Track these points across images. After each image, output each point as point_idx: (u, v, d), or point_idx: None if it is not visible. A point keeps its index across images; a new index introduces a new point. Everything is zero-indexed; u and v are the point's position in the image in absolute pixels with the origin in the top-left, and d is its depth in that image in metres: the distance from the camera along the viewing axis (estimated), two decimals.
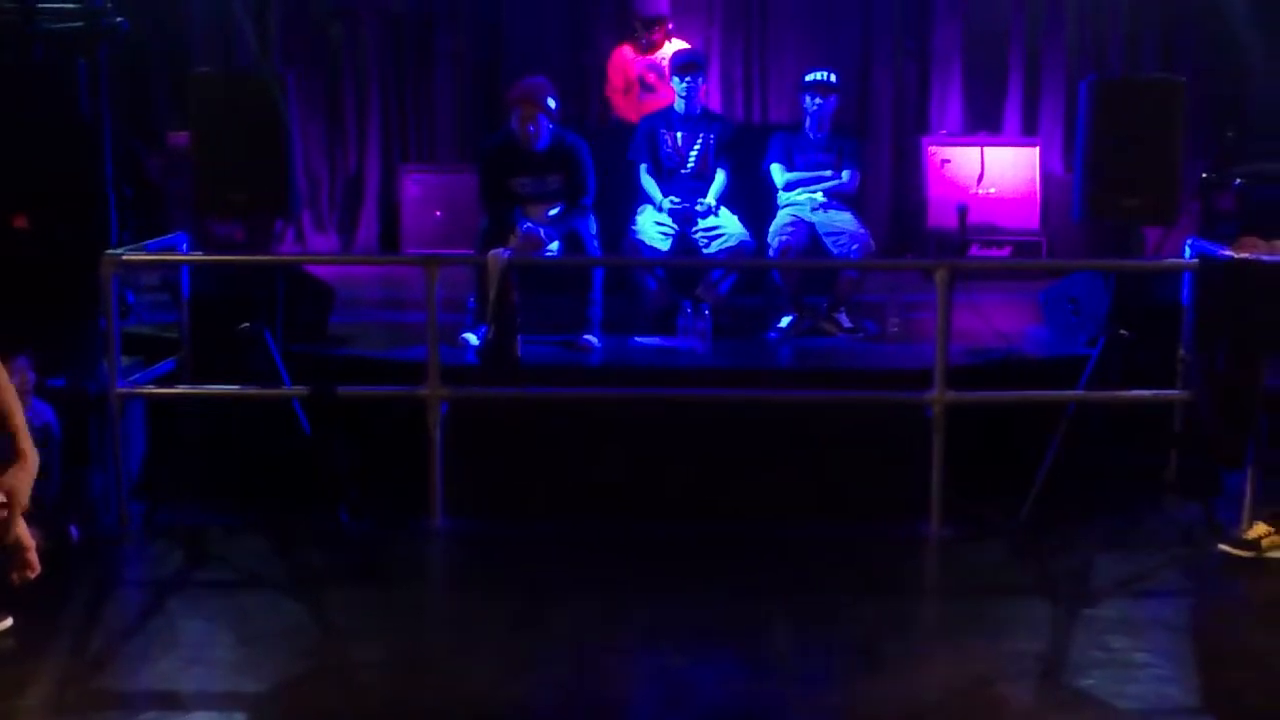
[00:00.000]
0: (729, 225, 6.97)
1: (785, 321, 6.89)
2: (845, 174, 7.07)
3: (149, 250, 6.10)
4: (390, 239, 9.16)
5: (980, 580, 5.33)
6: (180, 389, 6.01)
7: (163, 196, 8.15)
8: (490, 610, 4.96)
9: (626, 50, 8.29)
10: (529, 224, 6.47)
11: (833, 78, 7.05)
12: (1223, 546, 5.46)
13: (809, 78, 7.06)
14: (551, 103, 6.54)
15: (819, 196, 7.01)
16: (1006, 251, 8.65)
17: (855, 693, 4.30)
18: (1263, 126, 8.23)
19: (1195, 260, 5.91)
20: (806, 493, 5.89)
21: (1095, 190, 6.05)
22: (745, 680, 4.46)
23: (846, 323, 6.93)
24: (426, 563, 5.68)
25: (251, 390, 5.81)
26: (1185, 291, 5.96)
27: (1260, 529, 5.38)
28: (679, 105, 7.12)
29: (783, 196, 7.08)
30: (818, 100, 7.00)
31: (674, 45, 8.09)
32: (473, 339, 6.37)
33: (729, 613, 4.94)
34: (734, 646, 4.69)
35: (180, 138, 7.74)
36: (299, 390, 5.82)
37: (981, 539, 5.69)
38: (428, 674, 4.41)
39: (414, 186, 8.93)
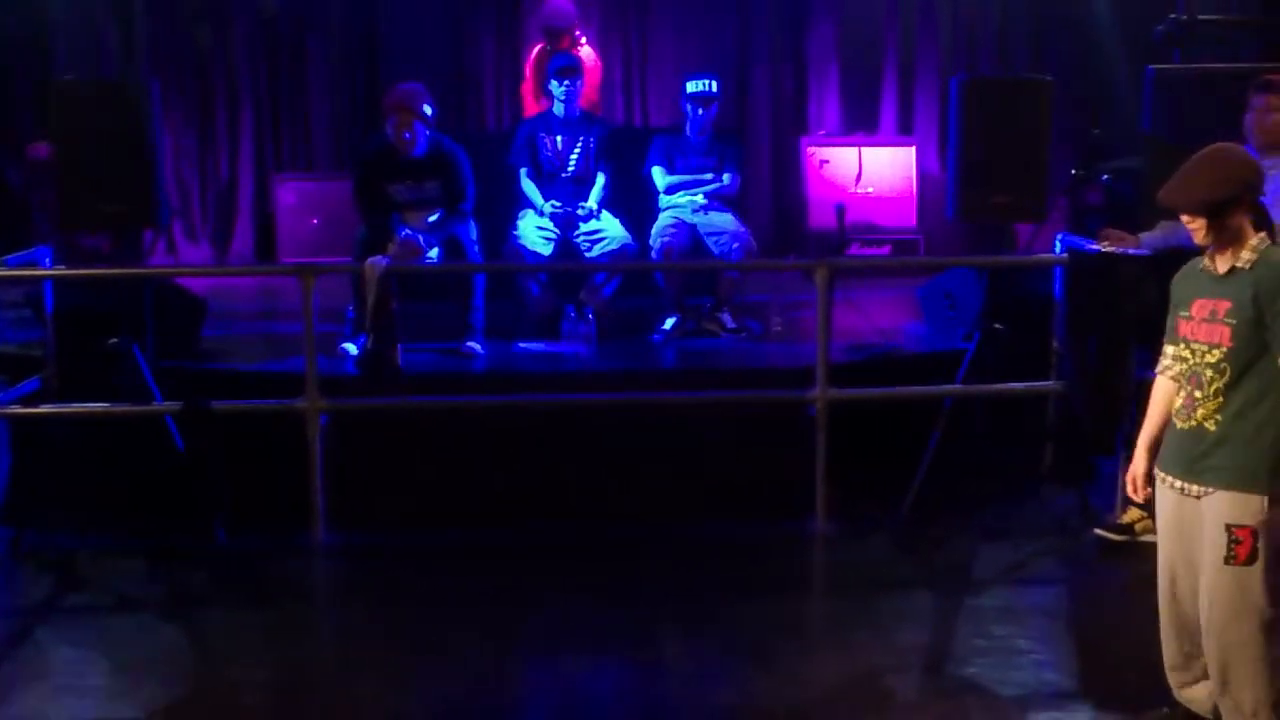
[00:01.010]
0: (611, 228, 6.95)
1: (669, 323, 6.90)
2: (726, 177, 7.11)
3: (9, 265, 5.89)
4: (266, 248, 8.96)
5: (865, 575, 5.39)
6: (46, 408, 5.81)
7: (25, 209, 7.89)
8: (375, 625, 4.88)
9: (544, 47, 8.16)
10: (407, 231, 6.38)
11: (714, 86, 7.07)
12: (1098, 531, 5.60)
13: (691, 88, 7.06)
14: (428, 109, 6.46)
15: (699, 199, 7.04)
16: (885, 249, 8.78)
17: (746, 692, 4.31)
18: (1128, 123, 8.46)
19: (1065, 255, 6.05)
20: (693, 493, 5.90)
21: (967, 189, 6.18)
22: (637, 684, 4.46)
23: (730, 323, 6.97)
24: (308, 579, 5.56)
25: (121, 407, 5.64)
26: (1057, 285, 6.11)
27: (1133, 514, 5.53)
28: (558, 109, 7.08)
29: (664, 199, 7.11)
30: (699, 110, 7.03)
31: (586, 51, 8.03)
32: (352, 349, 6.26)
33: (619, 618, 4.92)
34: (625, 651, 4.67)
35: (41, 148, 7.48)
36: (171, 406, 5.66)
37: (865, 534, 5.76)
38: (310, 694, 4.34)
39: (289, 194, 8.76)
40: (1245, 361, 3.47)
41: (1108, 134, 8.48)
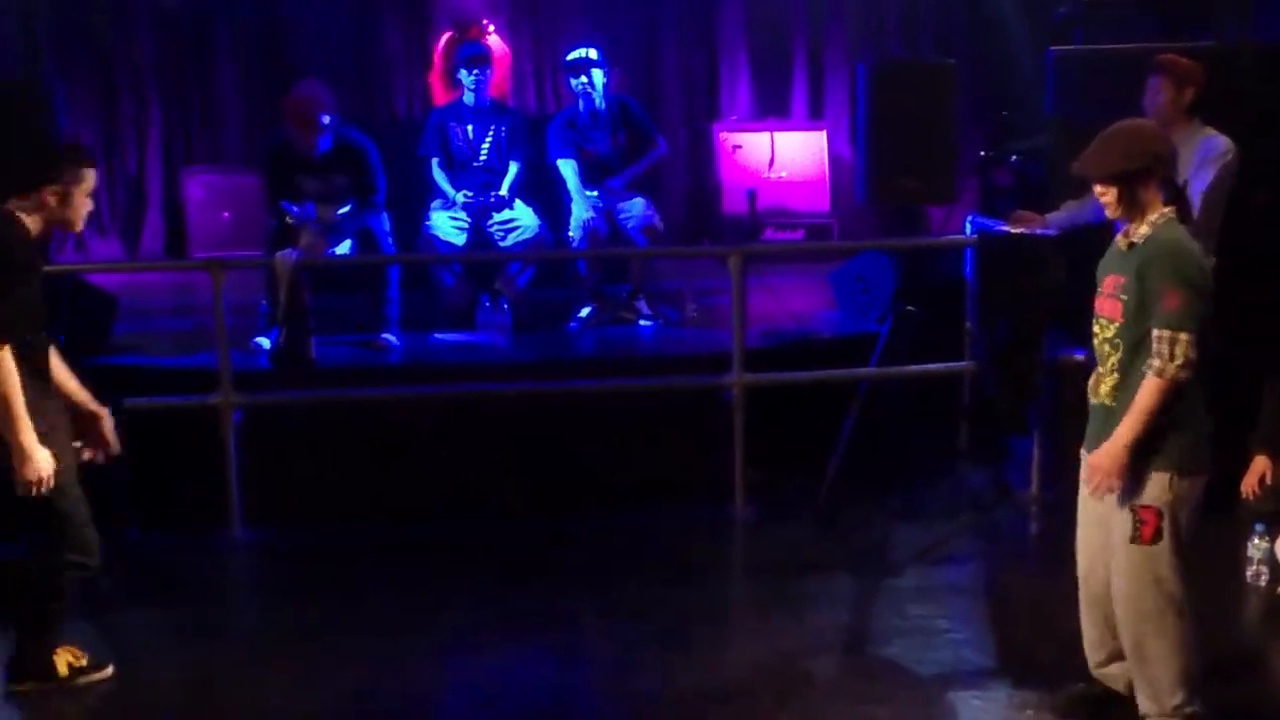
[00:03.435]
0: (524, 217, 6.92)
1: (585, 311, 6.89)
2: (655, 144, 7.06)
3: None
4: (177, 243, 8.80)
5: (784, 558, 5.43)
6: None
7: None
8: (289, 621, 4.83)
9: (453, 37, 8.07)
10: (296, 209, 6.25)
11: (592, 54, 6.96)
12: None
13: (570, 59, 6.97)
14: (326, 119, 6.30)
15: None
16: (799, 234, 8.84)
17: (666, 677, 4.31)
18: (1034, 105, 8.59)
19: (975, 236, 6.14)
20: (612, 481, 5.90)
21: (877, 172, 6.21)
22: (556, 672, 4.45)
23: (646, 310, 6.97)
24: (223, 576, 5.48)
25: None
26: (968, 267, 6.19)
27: None
28: (468, 98, 7.03)
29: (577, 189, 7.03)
30: (581, 79, 6.91)
31: (495, 40, 7.96)
32: (265, 343, 6.17)
33: (538, 607, 4.91)
34: (545, 641, 4.67)
35: None
36: None
37: (784, 518, 5.80)
38: (224, 693, 4.27)
39: (198, 188, 8.61)
40: (1137, 336, 3.51)
41: (1015, 116, 8.59)
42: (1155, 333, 3.45)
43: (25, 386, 3.87)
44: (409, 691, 4.26)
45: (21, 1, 8.39)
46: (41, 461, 3.89)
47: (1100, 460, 3.53)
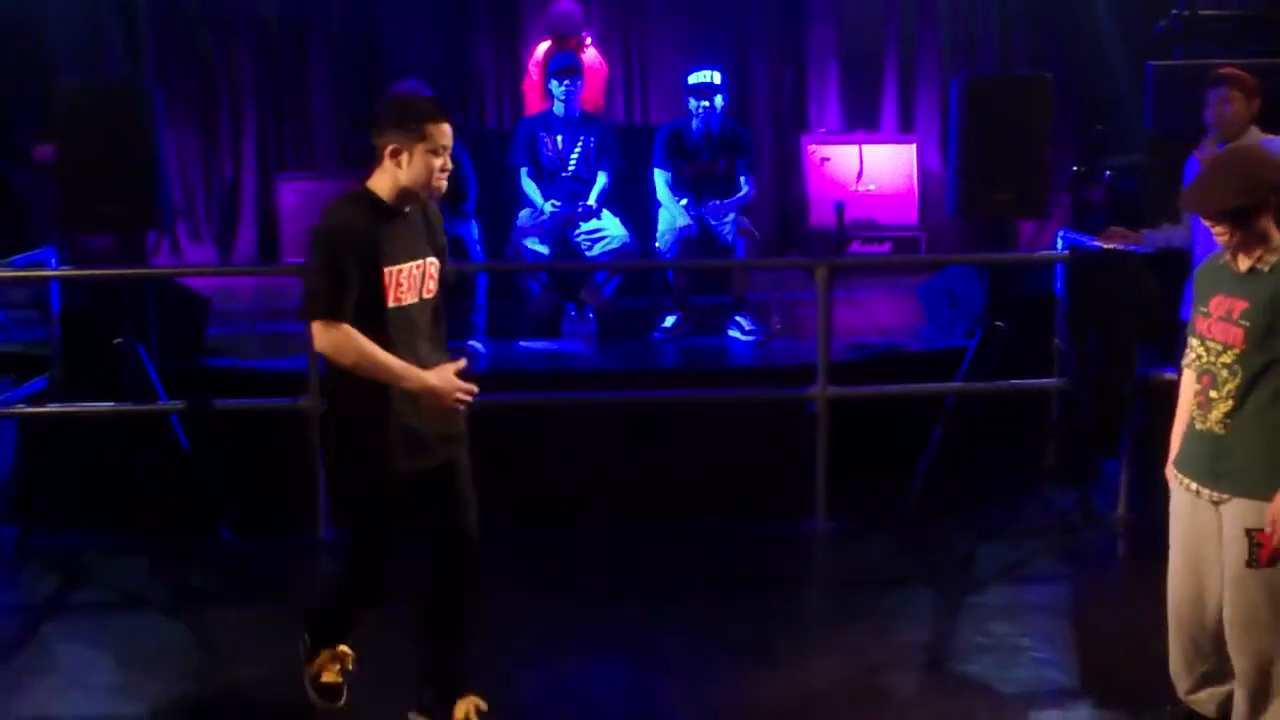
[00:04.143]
0: (611, 227, 6.96)
1: (669, 321, 6.91)
2: (742, 182, 7.02)
3: (16, 266, 5.92)
4: (269, 249, 8.99)
5: (866, 573, 5.40)
6: (52, 407, 5.83)
7: (29, 210, 7.91)
8: (378, 620, 4.88)
9: (546, 48, 8.14)
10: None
11: (716, 78, 6.94)
12: None
13: (692, 79, 6.95)
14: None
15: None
16: (886, 247, 8.78)
17: (745, 689, 4.32)
18: (1130, 120, 8.47)
19: (1067, 252, 6.06)
20: (695, 492, 5.91)
21: (968, 186, 6.18)
22: (638, 683, 4.47)
23: (749, 324, 6.90)
24: (312, 577, 5.57)
25: (126, 407, 5.66)
26: (1058, 282, 6.11)
27: None
28: (558, 109, 7.08)
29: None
30: (702, 103, 6.93)
31: (591, 53, 8.02)
32: None
33: (621, 616, 4.93)
34: (625, 651, 4.69)
35: (46, 150, 7.49)
36: (175, 405, 5.68)
37: (867, 532, 5.76)
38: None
39: (292, 195, 8.78)
40: (1259, 364, 3.42)
41: (1110, 131, 8.48)
42: None
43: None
44: (496, 696, 4.28)
45: (125, 7, 8.64)
46: (434, 380, 3.62)
47: (1275, 514, 3.38)
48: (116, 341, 5.63)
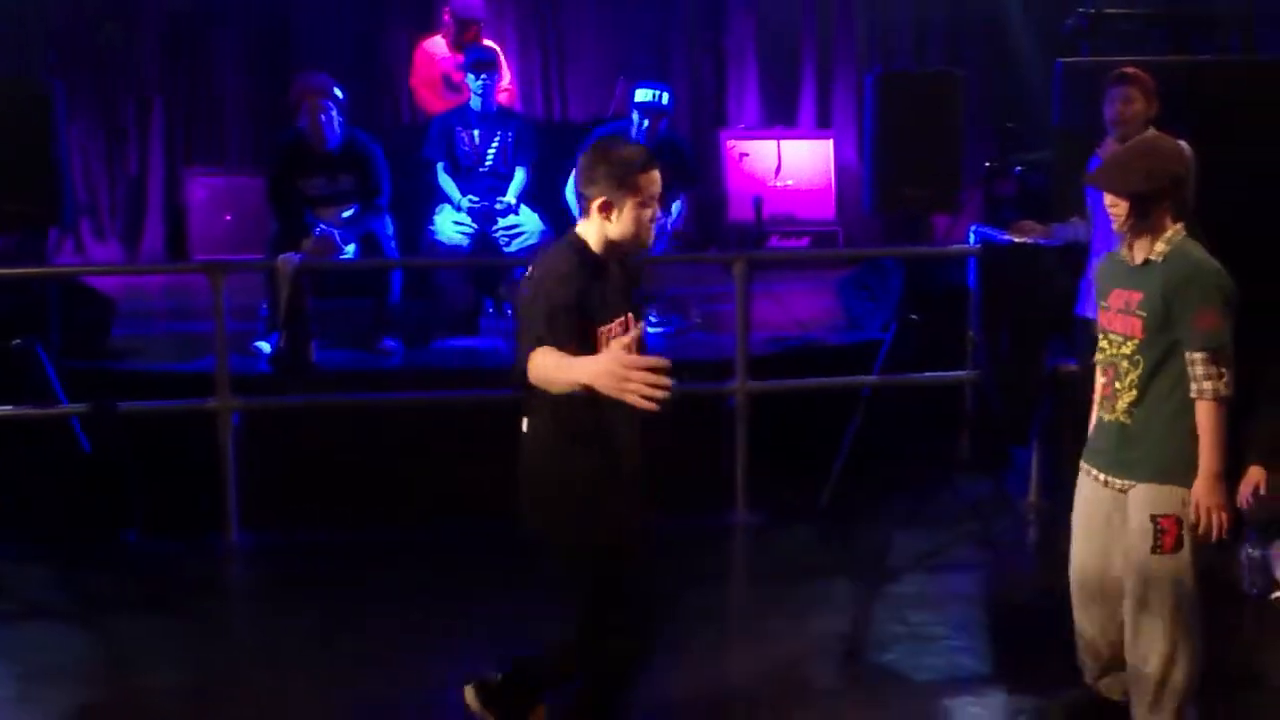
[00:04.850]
0: (529, 223, 6.91)
1: None
2: (675, 208, 6.92)
3: None
4: (178, 246, 8.81)
5: (785, 564, 5.42)
6: None
7: None
8: (291, 626, 4.81)
9: (437, 44, 7.99)
10: (323, 227, 6.30)
11: (665, 98, 6.78)
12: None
13: (640, 97, 6.77)
14: (339, 92, 6.36)
15: None
16: (804, 242, 8.83)
17: (665, 683, 4.26)
18: (1040, 116, 8.59)
19: (979, 246, 6.12)
20: None
21: (883, 181, 6.23)
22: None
23: (656, 316, 6.90)
24: (223, 581, 5.47)
25: (26, 409, 5.51)
26: (971, 276, 6.17)
27: None
28: (475, 103, 7.01)
29: None
30: (645, 122, 6.75)
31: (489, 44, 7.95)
32: (265, 347, 6.17)
33: (540, 612, 4.86)
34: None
35: None
36: (77, 408, 5.54)
37: (786, 524, 5.78)
38: (227, 700, 4.25)
39: (200, 190, 8.61)
40: (1158, 354, 3.50)
41: (1021, 127, 8.58)
42: (1198, 355, 3.43)
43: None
44: (412, 696, 4.24)
45: (22, 1, 8.42)
46: (605, 362, 2.98)
47: (1201, 498, 3.46)
48: (15, 343, 5.48)
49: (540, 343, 3.10)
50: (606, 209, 3.29)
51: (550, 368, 3.08)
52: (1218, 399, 3.43)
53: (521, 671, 3.75)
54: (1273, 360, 4.81)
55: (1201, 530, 3.48)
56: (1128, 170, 3.56)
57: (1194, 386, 3.44)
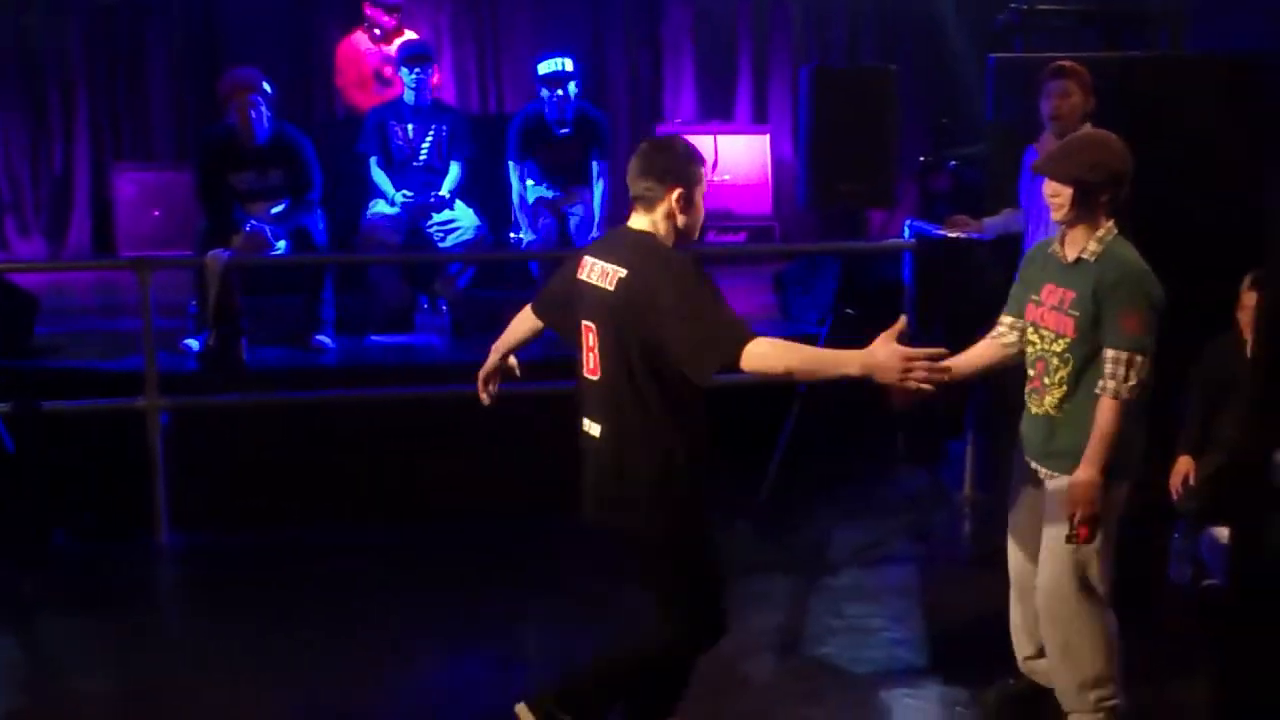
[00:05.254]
0: (464, 218, 6.85)
1: None
2: (598, 188, 6.89)
3: None
4: (105, 242, 8.64)
5: (724, 560, 5.38)
6: None
7: None
8: (221, 627, 4.74)
9: (360, 40, 7.92)
10: (253, 223, 6.20)
11: (567, 65, 6.74)
12: None
13: (542, 69, 6.75)
14: (268, 87, 6.27)
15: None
16: (741, 237, 8.84)
17: None
18: (975, 111, 8.67)
19: (913, 240, 6.16)
20: (553, 485, 5.83)
21: (818, 176, 6.23)
22: (497, 678, 4.39)
23: None
24: (151, 582, 5.38)
25: None
26: (906, 270, 6.20)
27: None
28: (409, 97, 6.93)
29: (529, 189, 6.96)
30: (556, 92, 6.75)
31: (407, 36, 7.88)
32: (194, 344, 6.06)
33: (479, 610, 4.86)
34: (485, 645, 4.62)
35: None
36: (0, 407, 5.41)
37: (723, 519, 5.73)
38: (153, 703, 4.18)
39: (128, 186, 8.45)
40: (1088, 352, 3.53)
41: (955, 122, 8.65)
42: (1112, 353, 3.47)
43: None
44: (345, 699, 4.19)
45: None
46: (881, 356, 3.13)
47: (1077, 493, 3.49)
48: None
49: (743, 333, 3.20)
50: (684, 201, 3.36)
51: (821, 362, 3.27)
52: (1118, 399, 3.46)
53: (571, 692, 3.64)
54: (1199, 354, 4.89)
55: (1082, 525, 3.48)
56: (1074, 159, 3.58)
57: (1100, 382, 3.49)
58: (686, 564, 3.47)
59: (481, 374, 3.90)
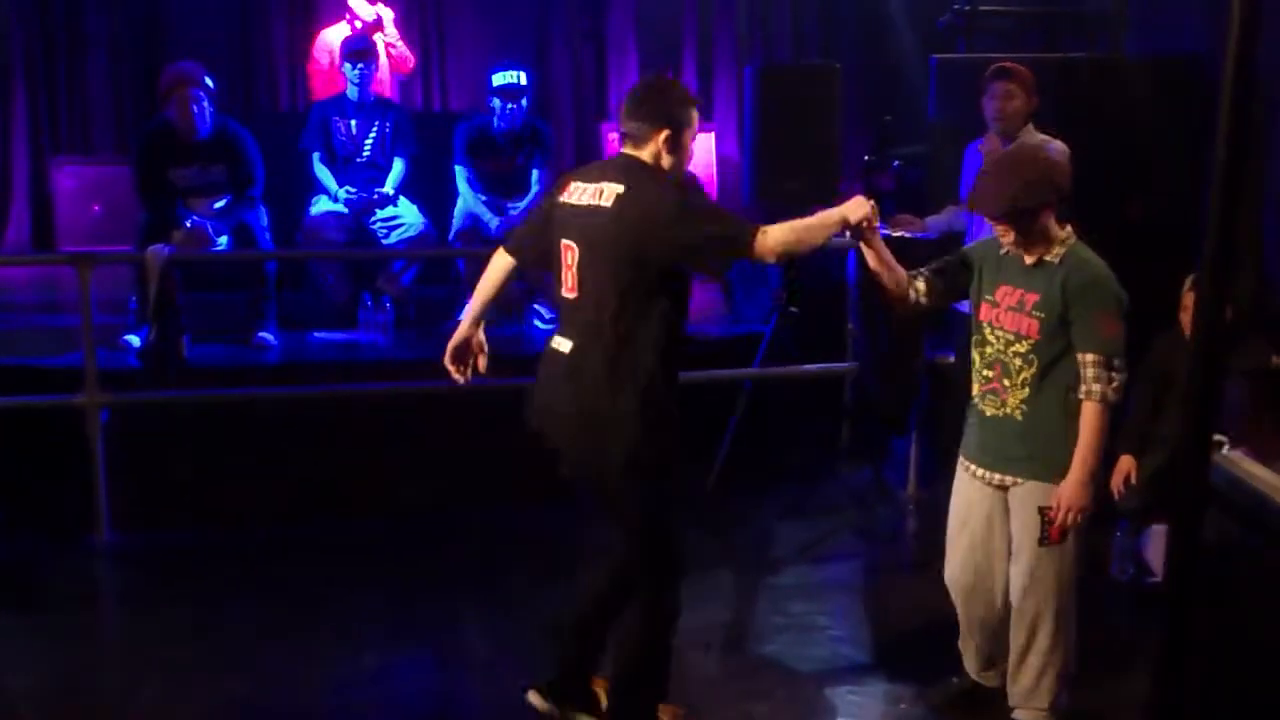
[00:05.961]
0: (408, 215, 6.82)
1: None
2: (535, 179, 6.89)
3: None
4: (44, 237, 8.48)
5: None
6: None
7: None
8: (162, 627, 4.68)
9: (340, 31, 7.78)
10: (194, 218, 6.13)
11: (522, 78, 6.74)
12: None
13: (497, 80, 6.72)
14: (209, 82, 6.21)
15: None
16: None
17: (543, 675, 4.26)
18: (918, 111, 8.73)
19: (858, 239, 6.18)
20: (497, 481, 5.84)
21: (762, 173, 6.26)
22: (434, 674, 4.40)
23: (550, 314, 6.84)
24: (91, 582, 5.29)
25: None
26: (850, 269, 6.24)
27: None
28: (352, 92, 6.89)
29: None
30: (508, 105, 6.74)
31: (389, 32, 7.79)
32: (134, 341, 5.99)
33: (417, 607, 4.83)
34: (423, 641, 4.60)
35: None
36: None
37: None
38: (91, 702, 4.13)
39: (68, 179, 8.29)
40: (1054, 354, 3.53)
41: (898, 121, 8.71)
42: (1092, 357, 3.47)
43: None
44: (285, 697, 4.16)
45: None
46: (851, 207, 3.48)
47: (1069, 497, 3.51)
48: None
49: (747, 227, 3.34)
50: (672, 141, 3.41)
51: (810, 228, 3.45)
52: (1104, 402, 3.48)
53: (568, 658, 3.80)
54: (1142, 355, 4.95)
55: (1056, 527, 3.55)
56: (1004, 190, 3.52)
57: (1083, 387, 3.49)
58: (655, 488, 3.55)
59: (451, 345, 3.84)
